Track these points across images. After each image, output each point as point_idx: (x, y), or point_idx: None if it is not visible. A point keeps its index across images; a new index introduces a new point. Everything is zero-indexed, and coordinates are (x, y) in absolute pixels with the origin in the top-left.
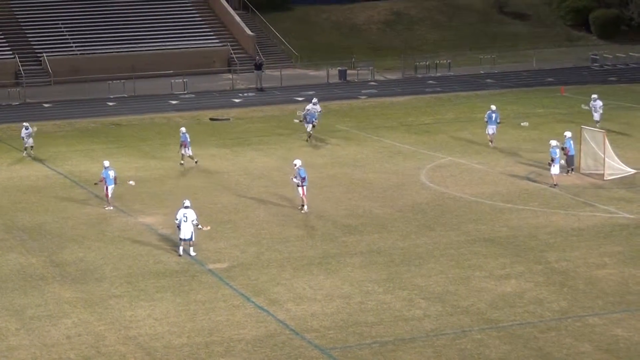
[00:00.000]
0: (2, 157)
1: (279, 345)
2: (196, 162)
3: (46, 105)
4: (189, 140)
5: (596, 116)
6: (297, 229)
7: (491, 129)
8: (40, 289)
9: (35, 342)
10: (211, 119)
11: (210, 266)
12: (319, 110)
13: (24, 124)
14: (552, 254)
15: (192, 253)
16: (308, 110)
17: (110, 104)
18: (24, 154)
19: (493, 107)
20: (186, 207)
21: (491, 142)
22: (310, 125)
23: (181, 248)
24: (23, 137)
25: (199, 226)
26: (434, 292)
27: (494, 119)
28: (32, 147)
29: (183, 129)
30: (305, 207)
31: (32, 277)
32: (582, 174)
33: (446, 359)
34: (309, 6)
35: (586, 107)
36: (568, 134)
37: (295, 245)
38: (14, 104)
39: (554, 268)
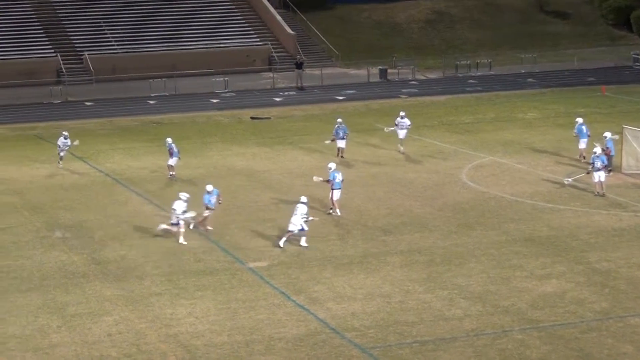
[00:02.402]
0: (44, 155)
1: (319, 344)
2: (171, 175)
3: (88, 103)
4: (175, 150)
5: None
6: (337, 228)
7: (583, 143)
8: (81, 287)
9: (77, 339)
10: (252, 118)
11: (251, 265)
12: (408, 124)
13: (64, 132)
14: (593, 254)
15: (304, 244)
16: (396, 124)
17: (151, 102)
18: (60, 165)
19: (580, 120)
20: (302, 203)
21: (584, 157)
22: (344, 141)
23: (283, 239)
24: (59, 146)
25: (310, 218)
26: (475, 292)
27: (584, 131)
28: (61, 158)
29: (169, 140)
30: (338, 210)
31: (73, 275)
32: (624, 174)
33: (486, 359)
34: (350, 5)
35: None
36: (608, 134)
37: (336, 244)
38: (55, 102)
39: (595, 268)
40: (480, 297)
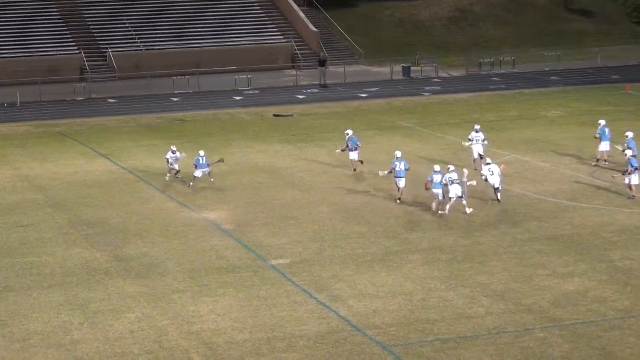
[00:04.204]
0: (67, 152)
1: (340, 342)
2: (189, 185)
3: (111, 100)
4: (201, 162)
5: None
6: (359, 226)
7: (604, 145)
8: (104, 284)
9: (99, 336)
10: (275, 115)
11: (273, 262)
12: (483, 139)
13: (172, 147)
14: (615, 252)
15: (468, 210)
16: (471, 140)
17: (175, 99)
18: (167, 178)
19: (603, 122)
20: (487, 164)
21: (605, 161)
22: (355, 153)
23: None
24: (168, 160)
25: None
26: (497, 290)
27: (607, 133)
28: (178, 171)
29: (201, 152)
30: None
31: (96, 272)
32: None
33: (508, 357)
34: (373, 2)
35: None
36: (630, 134)
37: (358, 241)
38: (79, 99)
39: (618, 267)
40: (502, 295)
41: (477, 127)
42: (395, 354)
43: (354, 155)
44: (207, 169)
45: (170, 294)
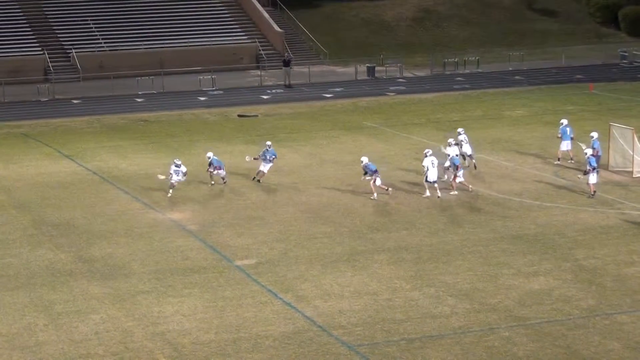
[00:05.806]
0: (31, 153)
1: (306, 342)
2: (212, 183)
3: (75, 101)
4: (217, 163)
5: None
6: (324, 226)
7: (565, 145)
8: (68, 285)
9: (64, 337)
10: (239, 116)
11: (238, 262)
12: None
13: (175, 160)
14: (580, 251)
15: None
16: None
17: (139, 100)
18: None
19: (565, 122)
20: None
21: (571, 160)
22: (268, 166)
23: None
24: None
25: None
26: (462, 289)
27: (568, 133)
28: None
29: (210, 154)
30: (390, 190)
31: (60, 273)
32: (611, 171)
33: (474, 357)
34: (337, 3)
35: None
36: (595, 134)
37: (323, 242)
38: (42, 100)
39: (582, 265)
40: (468, 294)
41: (460, 129)
42: (361, 354)
43: (265, 168)
44: (223, 171)
45: (135, 295)
